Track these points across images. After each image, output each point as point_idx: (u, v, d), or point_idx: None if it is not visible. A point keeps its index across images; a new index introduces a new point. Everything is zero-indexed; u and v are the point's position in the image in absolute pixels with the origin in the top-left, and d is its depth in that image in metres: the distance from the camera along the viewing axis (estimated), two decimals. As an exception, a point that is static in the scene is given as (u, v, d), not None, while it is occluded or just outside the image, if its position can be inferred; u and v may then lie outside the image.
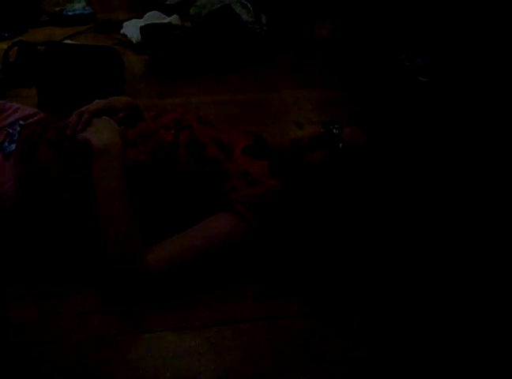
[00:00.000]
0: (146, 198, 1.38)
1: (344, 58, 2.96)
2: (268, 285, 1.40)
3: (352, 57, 2.97)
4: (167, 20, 2.93)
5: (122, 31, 2.97)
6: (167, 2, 3.44)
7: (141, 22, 2.88)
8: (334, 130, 1.42)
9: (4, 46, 2.47)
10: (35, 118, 1.55)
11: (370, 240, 1.53)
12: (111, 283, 1.29)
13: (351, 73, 2.77)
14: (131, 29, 2.90)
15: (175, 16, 2.98)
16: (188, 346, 1.23)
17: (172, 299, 1.33)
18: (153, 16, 2.99)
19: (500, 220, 1.70)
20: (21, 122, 1.50)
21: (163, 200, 1.39)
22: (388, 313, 1.36)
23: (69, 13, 3.20)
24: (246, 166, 1.47)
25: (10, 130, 1.46)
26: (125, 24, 2.99)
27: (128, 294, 1.30)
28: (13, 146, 1.42)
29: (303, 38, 3.25)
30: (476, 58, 2.72)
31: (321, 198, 1.43)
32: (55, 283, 1.36)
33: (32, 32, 2.96)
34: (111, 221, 1.28)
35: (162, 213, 1.40)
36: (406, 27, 3.04)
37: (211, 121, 1.62)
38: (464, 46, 2.76)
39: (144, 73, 2.62)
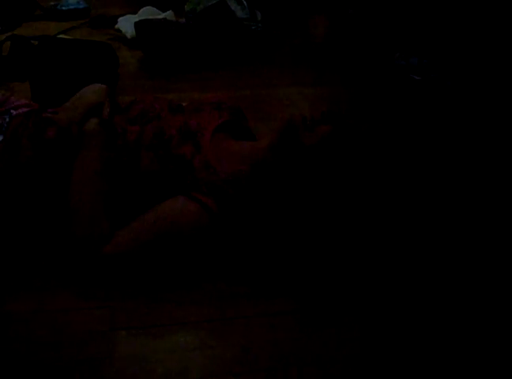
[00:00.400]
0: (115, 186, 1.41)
1: (339, 56, 2.96)
2: (260, 282, 1.40)
3: (346, 55, 2.97)
4: (161, 15, 2.93)
5: (116, 26, 2.96)
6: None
7: (136, 17, 2.87)
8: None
9: (-3, 40, 2.46)
10: (25, 109, 1.55)
11: (364, 233, 1.53)
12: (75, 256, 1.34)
13: (345, 71, 2.77)
14: (126, 24, 2.89)
15: (169, 11, 2.97)
16: (180, 342, 1.23)
17: (164, 295, 1.33)
18: (148, 12, 2.99)
19: (498, 216, 1.70)
20: (12, 112, 1.51)
21: (129, 191, 1.42)
22: (383, 309, 1.36)
23: (64, 8, 3.19)
24: (210, 157, 1.43)
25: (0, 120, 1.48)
26: (119, 19, 2.98)
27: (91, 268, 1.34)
28: (1, 137, 1.45)
29: (298, 35, 3.25)
30: (471, 57, 2.73)
31: (318, 179, 1.40)
32: (48, 278, 1.36)
33: (25, 26, 2.95)
34: (80, 200, 1.33)
35: (129, 199, 1.42)
36: (401, 25, 3.04)
37: (181, 105, 1.61)
38: (459, 45, 2.76)
39: (138, 69, 2.62)
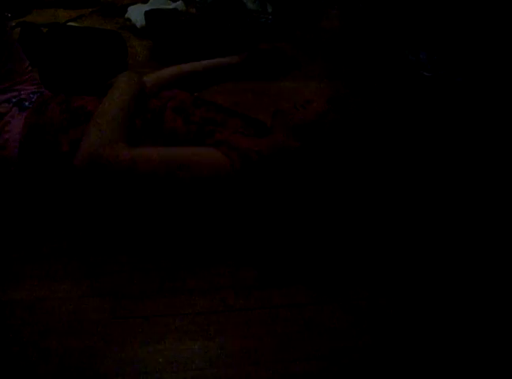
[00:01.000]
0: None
1: (349, 50, 2.95)
2: (267, 272, 1.40)
3: (356, 49, 2.96)
4: (172, 5, 2.92)
5: (126, 15, 2.96)
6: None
7: (146, 7, 2.87)
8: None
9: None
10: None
11: (367, 224, 1.52)
12: (79, 161, 1.27)
13: (355, 65, 2.76)
14: (136, 14, 2.88)
15: (180, 1, 2.96)
16: (182, 331, 1.23)
17: (167, 284, 1.33)
18: (159, 2, 2.98)
19: (499, 215, 1.69)
20: (26, 103, 1.54)
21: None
22: (391, 300, 1.35)
23: (74, -4, 3.19)
24: (239, 127, 1.45)
25: (31, 95, 1.56)
26: (130, 8, 2.97)
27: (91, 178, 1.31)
28: (30, 105, 1.51)
29: (309, 29, 3.24)
30: (481, 53, 2.71)
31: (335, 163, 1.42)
32: (49, 266, 1.36)
33: (35, 14, 2.95)
34: (104, 111, 1.35)
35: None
36: (411, 21, 3.02)
37: (207, 101, 1.60)
38: (469, 41, 2.74)
39: (147, 59, 2.61)
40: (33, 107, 1.49)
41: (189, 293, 1.32)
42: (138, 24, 2.83)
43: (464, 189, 1.80)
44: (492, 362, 1.23)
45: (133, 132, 1.38)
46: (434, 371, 1.20)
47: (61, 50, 2.12)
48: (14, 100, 1.51)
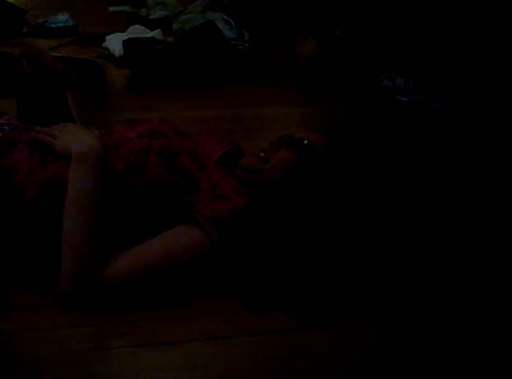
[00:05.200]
0: (114, 205, 1.37)
1: (326, 76, 2.99)
2: (247, 300, 1.39)
3: (333, 75, 3.00)
4: (149, 34, 2.95)
5: (104, 44, 2.98)
6: (151, 17, 3.46)
7: (124, 36, 2.89)
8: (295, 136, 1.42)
9: (-15, 56, 2.45)
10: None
11: (349, 248, 1.52)
12: (66, 293, 1.26)
13: (332, 91, 2.80)
14: (114, 43, 2.90)
15: (158, 30, 2.99)
16: (164, 361, 1.22)
17: (150, 313, 1.32)
18: (136, 31, 3.01)
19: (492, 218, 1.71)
20: (6, 128, 1.51)
21: (131, 207, 1.38)
22: (372, 326, 1.35)
23: (52, 25, 3.21)
24: (217, 180, 1.44)
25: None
26: (107, 37, 2.99)
27: (82, 305, 1.27)
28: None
29: (286, 55, 3.28)
30: (456, 79, 2.77)
31: (291, 204, 1.38)
32: (31, 296, 1.35)
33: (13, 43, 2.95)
34: (77, 227, 1.27)
35: (129, 221, 1.39)
36: (387, 47, 3.08)
37: (188, 134, 1.61)
38: (444, 68, 2.80)
39: (125, 87, 2.62)
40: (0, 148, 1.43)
41: (170, 322, 1.31)
42: (116, 53, 2.85)
43: (440, 217, 1.83)
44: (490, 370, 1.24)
45: (114, 182, 1.37)
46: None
47: (39, 79, 2.12)
48: None
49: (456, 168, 2.15)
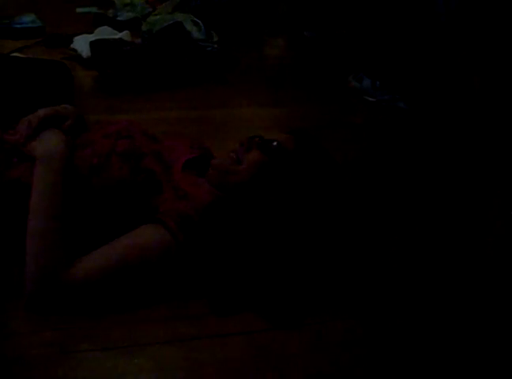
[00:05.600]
0: (79, 206, 1.37)
1: (295, 77, 3.00)
2: (215, 301, 1.39)
3: (302, 76, 3.02)
4: (118, 35, 2.92)
5: (72, 45, 2.94)
6: (118, 18, 3.43)
7: (92, 37, 2.86)
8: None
9: None
10: None
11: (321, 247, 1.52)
12: (29, 295, 1.26)
13: (301, 92, 2.81)
14: (81, 44, 2.87)
15: (125, 32, 2.97)
16: (133, 364, 1.22)
17: (117, 316, 1.32)
18: (104, 32, 2.98)
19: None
20: None
21: (96, 208, 1.39)
22: (340, 325, 1.36)
23: (18, 26, 3.15)
24: (181, 182, 1.45)
25: None
26: (75, 38, 2.96)
27: (47, 305, 1.27)
28: None
29: (254, 56, 3.29)
30: (423, 80, 2.80)
31: (259, 204, 1.38)
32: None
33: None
34: (39, 229, 1.28)
35: (94, 222, 1.39)
36: (355, 48, 3.10)
37: (155, 136, 1.61)
38: (411, 68, 2.83)
39: (93, 89, 2.60)
40: None
41: (138, 324, 1.31)
42: (84, 54, 2.82)
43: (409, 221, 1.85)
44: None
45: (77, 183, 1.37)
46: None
47: (4, 81, 2.09)
48: None
49: (422, 165, 2.19)
